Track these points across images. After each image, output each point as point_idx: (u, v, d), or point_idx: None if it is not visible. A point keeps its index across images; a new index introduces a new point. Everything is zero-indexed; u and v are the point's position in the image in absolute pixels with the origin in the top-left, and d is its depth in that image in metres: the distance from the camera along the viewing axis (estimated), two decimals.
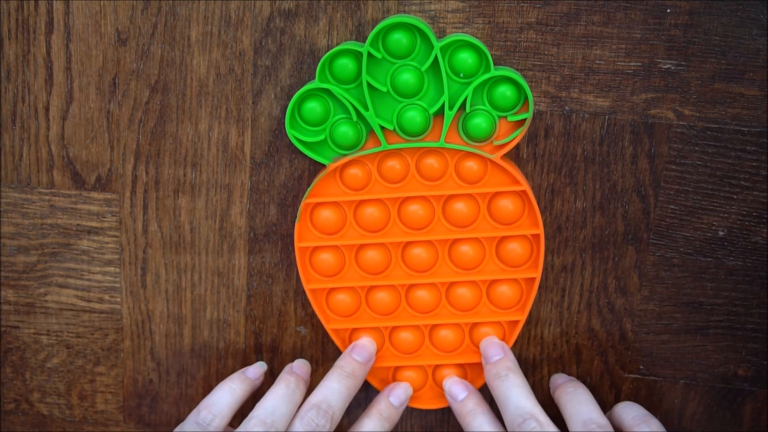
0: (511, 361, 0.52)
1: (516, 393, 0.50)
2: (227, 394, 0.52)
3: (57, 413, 0.60)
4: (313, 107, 0.50)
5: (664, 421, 0.56)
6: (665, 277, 0.54)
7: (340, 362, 0.53)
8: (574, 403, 0.50)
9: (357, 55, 0.48)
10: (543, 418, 0.48)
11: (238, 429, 0.50)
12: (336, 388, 0.51)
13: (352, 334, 0.55)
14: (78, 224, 0.55)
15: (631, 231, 0.53)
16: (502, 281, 0.53)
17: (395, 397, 0.54)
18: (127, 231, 0.55)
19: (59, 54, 0.52)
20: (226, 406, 0.51)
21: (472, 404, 0.52)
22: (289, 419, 0.50)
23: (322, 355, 0.57)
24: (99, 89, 0.52)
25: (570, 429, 0.49)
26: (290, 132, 0.50)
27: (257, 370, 0.54)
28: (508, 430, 0.49)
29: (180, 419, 0.59)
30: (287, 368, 0.53)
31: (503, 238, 0.52)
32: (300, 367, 0.54)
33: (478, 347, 0.55)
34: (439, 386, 0.55)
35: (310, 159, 0.52)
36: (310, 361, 0.57)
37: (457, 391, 0.53)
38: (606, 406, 0.56)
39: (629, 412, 0.51)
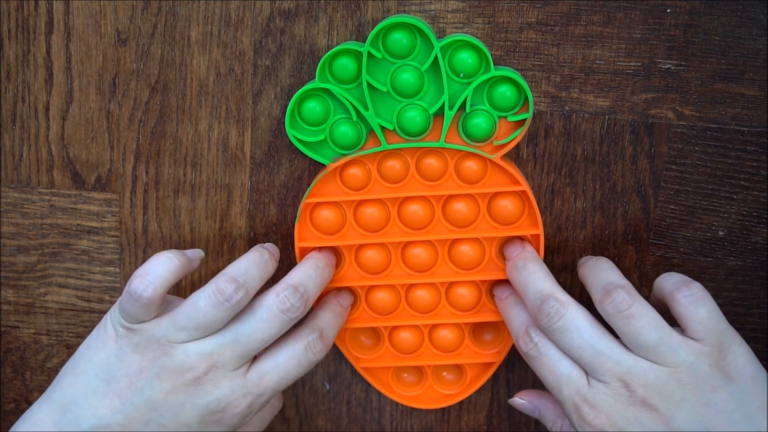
0: (529, 252, 0.51)
1: (534, 279, 0.49)
2: (163, 263, 0.48)
3: None
4: (313, 107, 0.50)
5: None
6: None
7: (313, 255, 0.51)
8: (595, 273, 0.49)
9: (357, 55, 0.48)
10: (563, 297, 0.47)
11: (207, 283, 0.48)
12: (312, 276, 0.49)
13: (352, 334, 0.55)
14: (78, 224, 0.55)
15: (631, 231, 0.53)
16: (501, 281, 0.53)
17: (342, 298, 0.53)
18: (127, 231, 0.55)
19: (59, 54, 0.52)
20: (160, 276, 0.47)
21: (513, 300, 0.51)
22: (259, 285, 0.48)
23: None
24: (99, 89, 0.52)
25: (593, 298, 0.47)
26: (290, 132, 0.50)
27: (195, 253, 0.51)
28: (532, 316, 0.48)
29: None
30: (258, 245, 0.51)
31: (503, 238, 0.52)
32: (273, 247, 0.51)
33: (478, 348, 0.54)
34: (439, 386, 0.55)
35: (310, 159, 0.52)
36: None
37: (502, 292, 0.52)
38: None
39: (668, 279, 0.48)
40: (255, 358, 0.49)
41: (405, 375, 0.56)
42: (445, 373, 0.56)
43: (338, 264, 0.53)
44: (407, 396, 0.55)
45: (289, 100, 0.51)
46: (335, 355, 0.56)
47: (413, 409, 0.57)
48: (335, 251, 0.53)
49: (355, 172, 0.52)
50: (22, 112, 0.53)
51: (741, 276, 0.53)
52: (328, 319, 0.51)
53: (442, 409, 0.57)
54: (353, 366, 0.55)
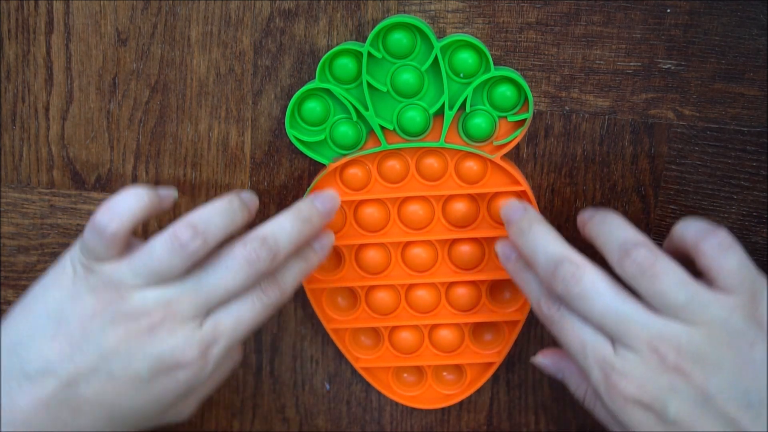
0: (532, 213, 0.47)
1: (543, 242, 0.44)
2: (132, 198, 0.45)
3: None
4: (313, 107, 0.50)
5: None
6: None
7: (299, 204, 0.48)
8: (606, 231, 0.44)
9: (357, 55, 0.48)
10: (578, 258, 0.43)
11: (162, 231, 0.45)
12: (286, 228, 0.46)
13: (352, 334, 0.55)
14: (78, 224, 0.55)
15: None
16: (502, 281, 0.53)
17: (318, 241, 0.49)
18: None
19: (59, 54, 0.52)
20: (127, 211, 0.45)
21: (523, 263, 0.48)
22: (223, 236, 0.45)
23: (322, 355, 0.57)
24: (99, 89, 0.52)
25: (609, 260, 0.43)
26: (290, 132, 0.50)
27: (168, 192, 0.48)
28: (544, 281, 0.44)
29: None
30: (234, 191, 0.48)
31: (503, 239, 0.52)
32: (249, 197, 0.48)
33: (478, 348, 0.54)
34: (439, 386, 0.55)
35: (310, 159, 0.52)
36: (310, 360, 0.57)
37: (509, 251, 0.48)
38: None
39: (689, 227, 0.43)
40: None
41: (405, 375, 0.56)
42: (445, 373, 0.56)
43: (338, 263, 0.53)
44: (407, 396, 0.55)
45: (289, 100, 0.51)
46: (335, 355, 0.56)
47: (413, 409, 0.57)
48: (336, 251, 0.53)
49: (355, 172, 0.52)
50: (22, 112, 0.53)
51: None
52: (290, 263, 0.48)
53: (442, 409, 0.57)
54: (353, 366, 0.56)
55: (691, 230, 0.43)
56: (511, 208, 0.48)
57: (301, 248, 0.48)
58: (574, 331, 0.44)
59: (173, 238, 0.44)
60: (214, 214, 0.45)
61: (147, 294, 0.45)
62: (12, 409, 0.44)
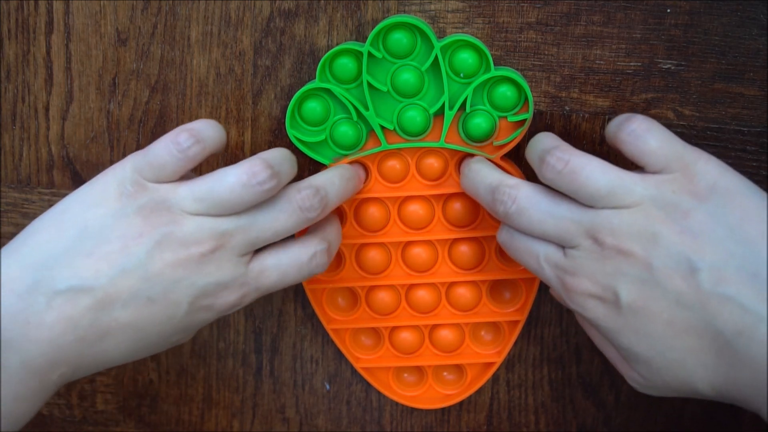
0: (474, 159, 0.49)
1: (481, 176, 0.46)
2: (215, 129, 0.45)
3: (57, 413, 0.60)
4: (313, 107, 0.50)
5: (664, 422, 0.56)
6: None
7: (341, 166, 0.49)
8: (530, 148, 0.46)
9: (357, 55, 0.48)
10: (512, 181, 0.45)
11: (239, 163, 0.44)
12: (336, 183, 0.47)
13: (352, 335, 0.55)
14: None
15: None
16: (502, 281, 0.53)
17: (356, 168, 0.50)
18: None
19: (59, 54, 0.52)
20: (211, 138, 0.44)
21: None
22: (287, 181, 0.46)
23: (322, 355, 0.57)
24: (99, 89, 0.52)
25: (534, 170, 0.45)
26: (290, 132, 0.50)
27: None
28: (488, 210, 0.46)
29: (180, 419, 0.59)
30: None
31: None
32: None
33: (478, 348, 0.55)
34: (439, 386, 0.55)
35: (311, 159, 0.52)
36: (310, 360, 0.57)
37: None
38: (606, 406, 0.56)
39: (611, 124, 0.44)
40: (258, 251, 0.46)
41: (405, 375, 0.56)
42: (445, 373, 0.56)
43: (339, 263, 0.53)
44: (407, 396, 0.56)
45: (289, 100, 0.51)
46: (335, 355, 0.56)
47: (413, 409, 0.57)
48: (336, 253, 0.53)
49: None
50: (22, 112, 0.53)
51: None
52: (337, 235, 0.48)
53: (442, 409, 0.57)
54: (353, 366, 0.56)
55: (611, 126, 0.44)
56: (462, 163, 0.50)
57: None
58: (527, 249, 0.45)
59: (251, 174, 0.43)
60: (284, 160, 0.45)
61: (203, 222, 0.43)
62: (38, 325, 0.42)
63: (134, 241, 0.43)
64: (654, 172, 0.42)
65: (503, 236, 0.47)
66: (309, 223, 0.46)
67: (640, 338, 0.42)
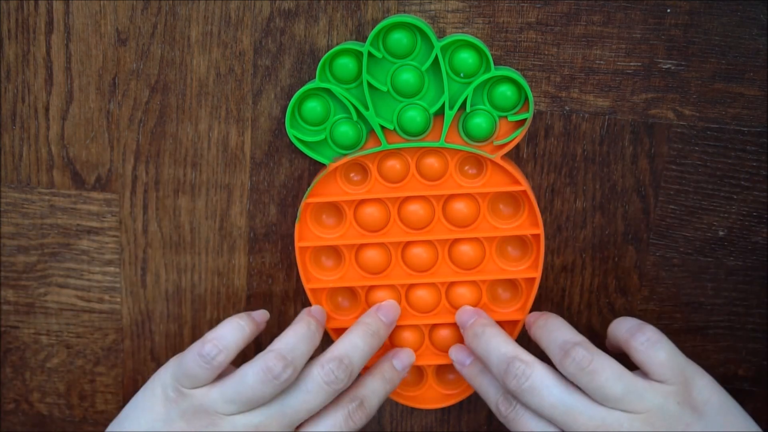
0: (485, 318, 0.51)
1: (495, 343, 0.49)
2: (236, 330, 0.49)
3: (57, 413, 0.60)
4: (313, 107, 0.50)
5: None
6: (665, 277, 0.54)
7: (366, 319, 0.52)
8: (548, 333, 0.49)
9: (357, 55, 0.48)
10: (527, 357, 0.48)
11: (254, 359, 0.48)
12: (359, 345, 0.50)
13: None
14: (78, 224, 0.55)
15: (631, 231, 0.53)
16: (502, 281, 0.53)
17: (398, 360, 0.53)
18: (127, 231, 0.55)
19: (59, 54, 0.52)
20: (233, 343, 0.49)
21: (478, 368, 0.52)
22: (305, 361, 0.49)
23: None
24: (99, 89, 0.52)
25: (553, 359, 0.48)
26: (290, 132, 0.50)
27: (262, 315, 0.52)
28: (498, 379, 0.48)
29: None
30: (305, 311, 0.51)
31: (503, 238, 0.52)
32: (319, 312, 0.52)
33: None
34: (439, 386, 0.55)
35: (310, 159, 0.52)
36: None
37: (463, 357, 0.52)
38: None
39: (621, 326, 0.49)
40: (300, 425, 0.50)
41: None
42: (445, 374, 0.56)
43: (338, 263, 0.53)
44: (407, 396, 0.55)
45: (289, 100, 0.51)
46: None
47: (413, 409, 0.57)
48: (336, 251, 0.53)
49: (355, 172, 0.52)
50: (22, 112, 0.53)
51: (741, 276, 0.53)
52: (373, 386, 0.51)
53: (442, 409, 0.57)
54: None
55: (621, 330, 0.48)
56: (464, 313, 0.52)
57: (383, 367, 0.52)
58: (529, 428, 0.48)
59: (267, 370, 0.47)
60: (299, 341, 0.49)
61: (236, 420, 0.48)
62: None
63: None
64: (656, 380, 0.46)
65: (507, 409, 0.49)
66: (339, 392, 0.49)
67: None
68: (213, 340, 0.48)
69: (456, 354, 0.53)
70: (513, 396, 0.49)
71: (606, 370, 0.46)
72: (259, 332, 0.51)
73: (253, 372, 0.48)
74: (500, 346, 0.49)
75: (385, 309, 0.52)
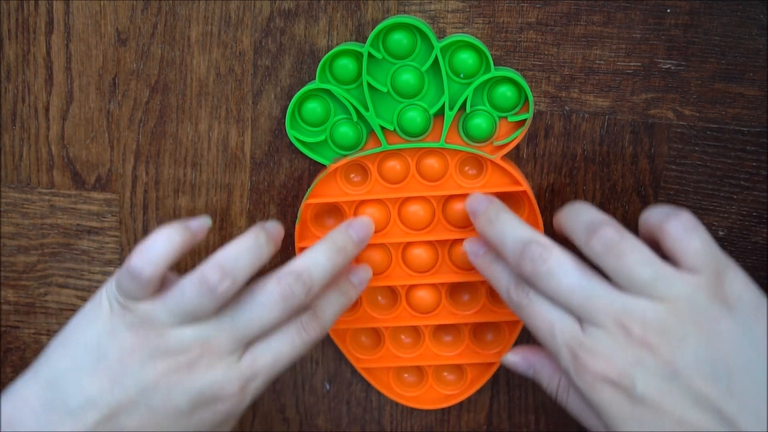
0: (497, 203, 0.48)
1: (510, 227, 0.46)
2: (164, 239, 0.45)
3: None
4: (313, 108, 0.50)
5: None
6: None
7: (334, 235, 0.49)
8: (573, 216, 0.45)
9: (357, 56, 0.48)
10: (544, 240, 0.44)
11: (191, 272, 0.45)
12: (321, 262, 0.47)
13: (352, 335, 0.55)
14: (78, 224, 0.55)
15: (632, 231, 0.53)
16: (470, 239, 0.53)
17: (355, 275, 0.50)
18: (127, 231, 0.55)
19: (59, 54, 0.52)
20: (161, 255, 0.45)
21: (492, 256, 0.48)
22: (251, 274, 0.46)
23: (322, 355, 0.57)
24: (99, 89, 0.52)
25: (578, 241, 0.44)
26: (291, 132, 0.50)
27: (202, 223, 0.48)
28: (514, 266, 0.45)
29: None
30: (259, 224, 0.48)
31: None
32: (274, 227, 0.49)
33: (479, 348, 0.55)
34: (439, 387, 0.55)
35: (310, 159, 0.52)
36: (310, 360, 0.57)
37: (477, 248, 0.49)
38: None
39: (654, 212, 0.44)
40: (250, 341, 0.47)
41: (405, 375, 0.56)
42: (445, 374, 0.56)
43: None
44: (408, 396, 0.56)
45: (289, 100, 0.51)
46: (335, 355, 0.56)
47: (413, 409, 0.57)
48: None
49: (355, 173, 0.52)
50: (22, 112, 0.53)
51: None
52: (328, 297, 0.49)
53: (442, 409, 0.57)
54: (353, 366, 0.56)
55: (655, 215, 0.44)
56: (476, 200, 0.49)
57: (339, 281, 0.49)
58: (542, 314, 0.44)
59: (202, 281, 0.45)
60: (242, 252, 0.46)
61: (183, 331, 0.46)
62: None
63: (129, 357, 0.45)
64: (687, 268, 0.42)
65: (519, 296, 0.46)
66: (296, 309, 0.47)
67: (644, 428, 0.42)
68: (139, 253, 0.45)
69: (470, 245, 0.49)
70: (528, 282, 0.45)
71: (635, 252, 0.42)
72: (196, 242, 0.47)
73: (190, 283, 0.45)
74: (516, 229, 0.45)
75: (357, 225, 0.50)
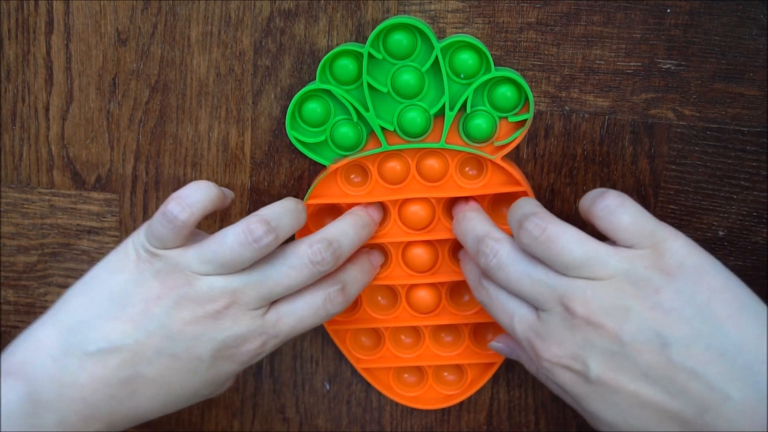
0: (469, 205, 0.50)
1: (471, 225, 0.48)
2: (202, 190, 0.46)
3: None
4: (313, 108, 0.50)
5: None
6: None
7: (357, 211, 0.51)
8: (510, 211, 0.46)
9: (357, 56, 0.48)
10: (498, 234, 0.46)
11: (239, 221, 0.46)
12: (349, 233, 0.48)
13: (352, 335, 0.55)
14: (78, 224, 0.55)
15: None
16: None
17: (374, 257, 0.52)
18: (127, 231, 0.55)
19: (59, 54, 0.52)
20: (198, 202, 0.46)
21: (466, 256, 0.50)
22: (289, 234, 0.47)
23: (322, 355, 0.57)
24: (99, 89, 0.52)
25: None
26: (291, 133, 0.50)
27: (229, 192, 0.50)
28: (474, 260, 0.48)
29: (180, 419, 0.59)
30: (290, 197, 0.50)
31: None
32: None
33: (479, 348, 0.55)
34: (439, 387, 0.55)
35: (310, 159, 0.52)
36: (310, 360, 0.57)
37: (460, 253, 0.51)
38: None
39: (585, 198, 0.45)
40: (276, 300, 0.48)
41: (405, 375, 0.56)
42: (445, 374, 0.56)
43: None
44: (408, 396, 0.56)
45: (289, 100, 0.51)
46: (335, 355, 0.56)
47: (413, 409, 0.57)
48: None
49: (355, 174, 0.52)
50: (22, 112, 0.53)
51: (741, 276, 0.53)
52: (354, 274, 0.50)
53: (442, 409, 0.57)
54: (353, 366, 0.56)
55: (585, 201, 0.45)
56: (456, 204, 0.51)
57: (360, 260, 0.51)
58: (503, 306, 0.46)
59: (247, 232, 0.45)
60: (285, 213, 0.47)
61: (213, 281, 0.46)
62: (72, 385, 0.45)
63: (154, 303, 0.46)
64: (624, 246, 0.43)
65: (481, 291, 0.48)
66: (323, 274, 0.48)
67: (606, 406, 0.43)
68: (177, 198, 0.46)
69: (460, 252, 0.52)
70: (487, 277, 0.47)
71: (562, 237, 0.43)
72: (225, 206, 0.48)
73: (233, 233, 0.45)
74: (476, 227, 0.47)
75: (372, 208, 0.51)
